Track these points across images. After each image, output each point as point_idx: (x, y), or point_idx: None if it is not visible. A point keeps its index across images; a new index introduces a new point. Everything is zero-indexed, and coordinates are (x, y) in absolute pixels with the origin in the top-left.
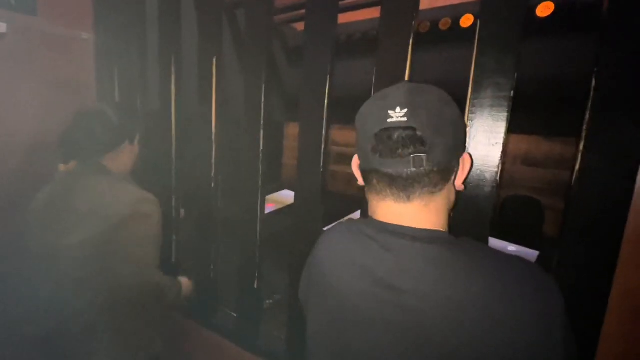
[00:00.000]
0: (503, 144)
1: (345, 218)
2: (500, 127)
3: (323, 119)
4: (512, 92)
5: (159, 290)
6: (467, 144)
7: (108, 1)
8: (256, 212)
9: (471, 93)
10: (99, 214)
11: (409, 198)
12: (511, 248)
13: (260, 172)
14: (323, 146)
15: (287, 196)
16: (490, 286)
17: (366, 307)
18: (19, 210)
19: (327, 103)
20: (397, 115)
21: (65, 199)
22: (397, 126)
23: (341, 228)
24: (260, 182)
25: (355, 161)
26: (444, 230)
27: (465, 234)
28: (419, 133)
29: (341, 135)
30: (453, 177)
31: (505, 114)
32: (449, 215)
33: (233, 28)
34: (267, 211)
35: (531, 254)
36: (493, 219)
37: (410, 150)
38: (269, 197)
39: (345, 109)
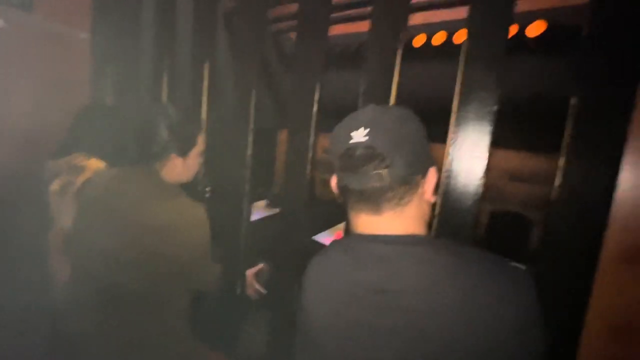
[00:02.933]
0: (487, 157)
1: (336, 227)
2: (484, 141)
3: (311, 126)
4: (496, 107)
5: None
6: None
7: (106, 2)
8: (241, 219)
9: (456, 107)
10: (150, 224)
11: (379, 211)
12: None
13: (247, 178)
14: (310, 153)
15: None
16: (474, 278)
17: (363, 316)
18: (7, 207)
19: (316, 110)
20: (359, 135)
21: (116, 203)
22: (358, 145)
23: (329, 249)
24: (246, 189)
25: (334, 179)
26: (420, 234)
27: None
28: (378, 150)
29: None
30: (419, 190)
31: (489, 128)
32: (426, 225)
33: (228, 34)
34: (255, 218)
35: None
36: (477, 232)
37: (371, 167)
38: (258, 203)
39: (336, 117)
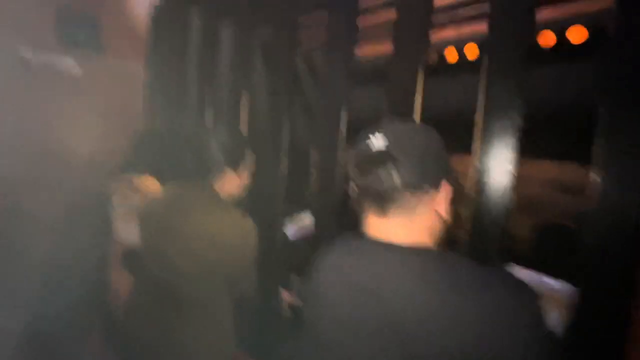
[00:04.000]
0: (514, 170)
1: None
2: (510, 154)
3: (339, 140)
4: (521, 120)
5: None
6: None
7: (158, 40)
8: (275, 233)
9: (482, 122)
10: (210, 240)
11: (385, 212)
12: (548, 281)
13: (281, 195)
14: (339, 169)
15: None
16: (470, 292)
17: (355, 317)
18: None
19: (345, 127)
20: (375, 139)
21: (176, 217)
22: (372, 147)
23: (337, 246)
24: (280, 205)
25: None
26: (426, 246)
27: (478, 260)
28: (390, 153)
29: None
30: (429, 200)
31: (514, 141)
32: (435, 238)
33: (264, 60)
34: (291, 232)
35: (568, 287)
36: (516, 246)
37: (381, 167)
38: (294, 218)
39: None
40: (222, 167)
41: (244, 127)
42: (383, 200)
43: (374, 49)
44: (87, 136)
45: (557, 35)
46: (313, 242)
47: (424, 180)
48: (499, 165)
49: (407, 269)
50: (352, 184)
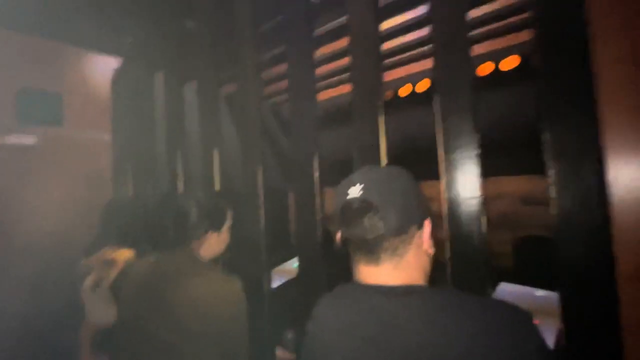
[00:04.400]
0: (483, 189)
1: None
2: (475, 178)
3: (315, 184)
4: (477, 142)
5: None
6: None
7: (123, 108)
8: (262, 288)
9: (442, 152)
10: (197, 309)
11: (377, 261)
12: (540, 294)
13: (264, 247)
14: (318, 208)
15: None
16: (470, 326)
17: (352, 357)
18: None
19: (317, 171)
20: (354, 191)
21: (160, 288)
22: (354, 200)
23: (333, 295)
24: (264, 258)
25: (338, 234)
26: (418, 284)
27: (467, 284)
28: (372, 203)
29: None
30: (415, 241)
31: (476, 168)
32: (426, 275)
33: (232, 115)
34: (277, 284)
35: (555, 297)
36: (498, 262)
37: (366, 218)
38: (279, 268)
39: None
40: (204, 231)
41: (217, 183)
42: (372, 249)
43: (334, 92)
44: (52, 211)
45: (495, 64)
46: (299, 287)
47: (408, 223)
48: (467, 187)
49: (408, 311)
50: (339, 236)
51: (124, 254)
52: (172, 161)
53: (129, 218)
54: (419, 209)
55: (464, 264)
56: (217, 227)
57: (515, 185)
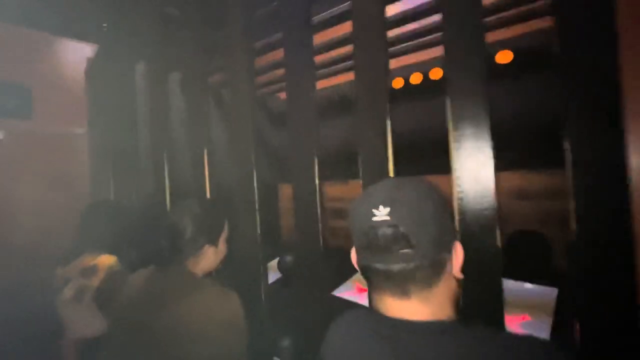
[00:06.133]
0: (494, 184)
1: (352, 278)
2: (489, 169)
3: (315, 177)
4: (491, 140)
5: None
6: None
7: (100, 99)
8: (259, 284)
9: (453, 144)
10: (191, 333)
11: (406, 294)
12: (528, 286)
13: (260, 247)
14: (319, 204)
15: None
16: None
17: None
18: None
19: (317, 162)
20: (380, 213)
21: (153, 310)
22: (381, 224)
23: (349, 319)
24: (260, 257)
25: (354, 254)
26: (449, 320)
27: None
28: (402, 230)
29: (333, 190)
30: (447, 268)
31: (491, 160)
32: (456, 305)
33: (221, 107)
34: (271, 280)
35: (550, 291)
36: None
37: (397, 247)
38: (272, 264)
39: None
40: (202, 243)
41: (207, 183)
42: (401, 282)
43: (334, 80)
44: (19, 213)
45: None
46: (297, 285)
47: (441, 250)
48: (480, 180)
49: (439, 352)
50: (359, 263)
51: (106, 261)
52: (156, 159)
53: (111, 222)
54: (450, 232)
55: (475, 265)
56: (214, 241)
57: (508, 180)
